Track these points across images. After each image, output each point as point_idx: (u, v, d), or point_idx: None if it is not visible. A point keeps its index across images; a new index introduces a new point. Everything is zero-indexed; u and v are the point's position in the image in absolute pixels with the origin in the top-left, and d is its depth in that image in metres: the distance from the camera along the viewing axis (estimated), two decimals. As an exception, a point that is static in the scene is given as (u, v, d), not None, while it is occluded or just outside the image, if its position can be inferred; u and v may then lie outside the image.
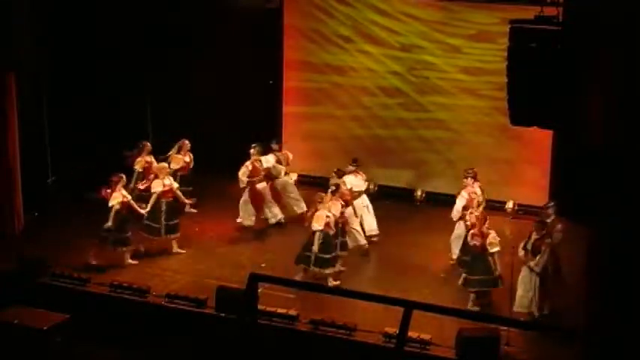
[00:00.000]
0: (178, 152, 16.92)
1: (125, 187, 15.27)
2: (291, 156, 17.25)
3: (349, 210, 15.37)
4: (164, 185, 15.54)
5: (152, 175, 16.12)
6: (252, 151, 16.56)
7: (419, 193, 18.03)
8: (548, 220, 14.03)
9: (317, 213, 14.50)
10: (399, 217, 17.03)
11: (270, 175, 16.81)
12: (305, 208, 16.36)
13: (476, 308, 13.66)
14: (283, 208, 16.86)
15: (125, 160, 16.66)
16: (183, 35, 18.10)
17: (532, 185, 17.46)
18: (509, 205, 17.08)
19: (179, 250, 15.67)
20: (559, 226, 13.90)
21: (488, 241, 13.86)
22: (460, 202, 15.11)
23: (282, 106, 19.24)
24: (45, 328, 12.73)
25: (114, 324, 13.83)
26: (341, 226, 14.83)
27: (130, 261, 15.20)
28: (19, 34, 15.40)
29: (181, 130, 18.00)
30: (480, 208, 14.56)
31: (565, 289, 13.54)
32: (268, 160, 16.76)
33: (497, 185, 16.91)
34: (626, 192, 9.26)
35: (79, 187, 17.49)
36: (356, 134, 18.82)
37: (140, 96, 18.41)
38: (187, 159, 16.96)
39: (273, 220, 16.67)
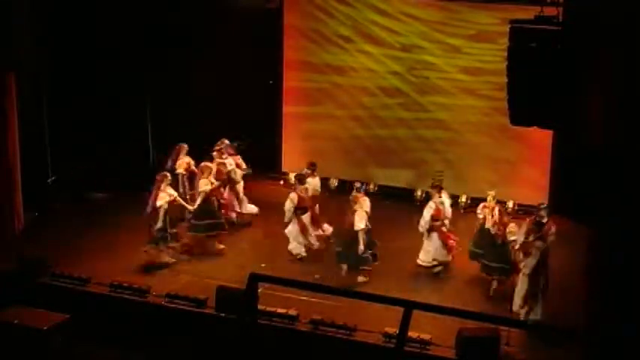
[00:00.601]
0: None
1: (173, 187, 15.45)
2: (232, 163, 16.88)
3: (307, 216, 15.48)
4: (212, 183, 15.62)
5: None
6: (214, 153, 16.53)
7: (419, 193, 18.02)
8: (544, 221, 14.01)
9: (357, 213, 14.57)
10: (399, 217, 17.02)
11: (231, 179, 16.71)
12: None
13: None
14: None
15: (162, 164, 16.55)
16: (183, 35, 18.09)
17: (532, 185, 17.46)
18: (510, 205, 17.07)
19: (220, 246, 15.76)
20: (553, 229, 13.89)
21: (507, 230, 14.24)
22: (427, 213, 15.02)
23: (282, 106, 19.24)
24: (45, 328, 12.72)
25: (114, 324, 13.83)
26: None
27: (182, 256, 15.40)
28: (19, 34, 15.40)
29: (181, 130, 18.02)
30: (493, 202, 14.83)
31: (550, 293, 13.55)
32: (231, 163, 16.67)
33: (498, 185, 16.90)
34: (626, 192, 9.26)
35: (79, 187, 17.51)
36: (356, 134, 18.82)
37: (140, 96, 18.40)
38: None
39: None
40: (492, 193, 15.10)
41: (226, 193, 16.53)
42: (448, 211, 15.19)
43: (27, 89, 16.37)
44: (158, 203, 15.00)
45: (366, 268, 14.68)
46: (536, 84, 10.40)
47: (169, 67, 18.21)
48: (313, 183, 16.21)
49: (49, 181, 17.32)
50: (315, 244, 15.56)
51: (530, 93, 10.51)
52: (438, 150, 18.35)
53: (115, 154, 17.79)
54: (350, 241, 14.60)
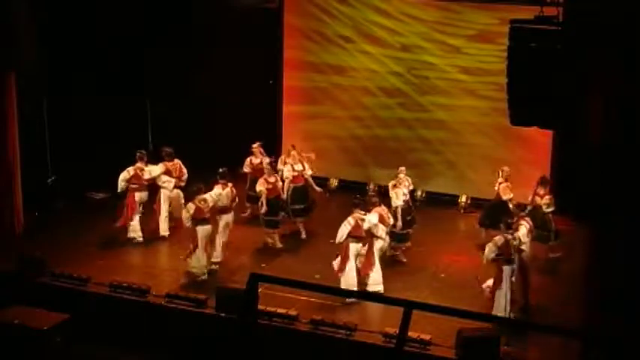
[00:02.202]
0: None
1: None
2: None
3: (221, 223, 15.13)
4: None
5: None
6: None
7: (419, 193, 18.02)
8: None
9: (396, 190, 15.24)
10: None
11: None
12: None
13: None
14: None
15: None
16: (184, 35, 18.10)
17: (532, 185, 17.44)
18: (509, 205, 17.05)
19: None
20: (524, 227, 13.89)
21: (544, 201, 15.26)
22: (345, 229, 14.10)
23: (282, 106, 19.25)
24: (45, 328, 12.73)
25: (114, 324, 13.83)
26: None
27: (279, 244, 15.80)
28: (19, 34, 15.39)
29: (181, 130, 18.02)
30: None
31: (550, 293, 13.55)
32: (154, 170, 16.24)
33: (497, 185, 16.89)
34: (626, 192, 9.27)
35: (79, 187, 17.50)
36: (356, 134, 18.83)
37: (140, 96, 18.40)
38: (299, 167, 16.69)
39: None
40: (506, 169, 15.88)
41: None
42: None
43: (27, 89, 16.37)
44: (258, 189, 15.70)
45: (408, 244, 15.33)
46: (536, 84, 10.40)
47: (169, 67, 18.21)
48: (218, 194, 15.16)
49: (49, 181, 17.32)
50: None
51: (530, 93, 10.51)
52: (438, 150, 18.35)
53: (115, 154, 17.76)
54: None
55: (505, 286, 13.24)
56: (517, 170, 17.58)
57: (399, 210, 15.15)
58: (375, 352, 12.74)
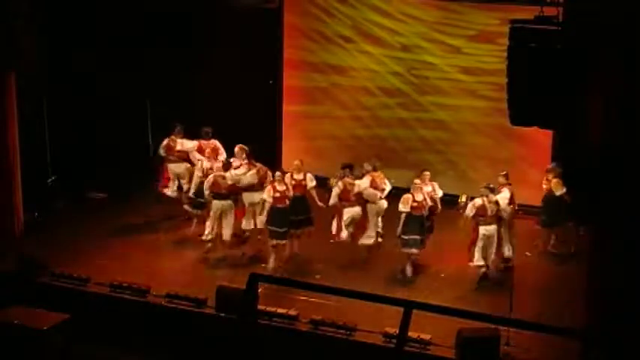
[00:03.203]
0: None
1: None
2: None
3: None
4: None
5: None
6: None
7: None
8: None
9: (405, 195, 14.99)
10: (399, 217, 16.99)
11: None
12: None
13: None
14: None
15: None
16: (184, 35, 18.09)
17: (532, 185, 17.44)
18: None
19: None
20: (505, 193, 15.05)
21: (552, 185, 15.47)
22: (334, 192, 15.22)
23: (282, 106, 19.24)
24: (45, 328, 12.72)
25: (114, 324, 13.82)
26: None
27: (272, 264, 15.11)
28: (19, 34, 15.39)
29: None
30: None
31: (551, 293, 13.62)
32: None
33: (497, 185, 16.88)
34: (626, 192, 9.27)
35: (79, 187, 17.50)
36: (356, 134, 18.82)
37: (140, 96, 18.39)
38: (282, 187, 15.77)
39: None
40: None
41: None
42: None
43: (27, 89, 16.37)
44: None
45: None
46: (536, 84, 10.40)
47: (169, 67, 18.20)
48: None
49: (49, 181, 17.32)
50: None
51: (530, 93, 10.51)
52: (438, 150, 18.35)
53: (115, 154, 17.77)
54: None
55: (479, 244, 14.50)
56: (517, 170, 17.60)
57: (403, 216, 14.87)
58: (375, 352, 12.74)
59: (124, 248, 15.76)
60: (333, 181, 18.35)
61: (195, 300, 13.80)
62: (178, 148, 16.69)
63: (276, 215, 14.92)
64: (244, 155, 15.74)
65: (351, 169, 15.47)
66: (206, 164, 15.94)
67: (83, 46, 17.19)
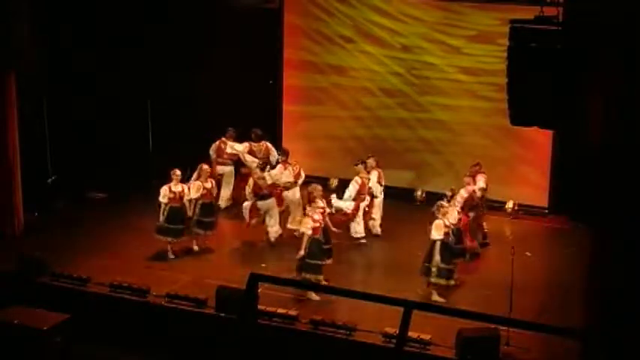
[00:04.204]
0: (198, 178, 15.76)
1: None
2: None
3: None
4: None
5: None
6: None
7: (419, 193, 18.02)
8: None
9: (436, 222, 14.04)
10: (399, 217, 17.03)
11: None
12: None
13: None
14: None
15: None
16: (184, 35, 18.10)
17: (532, 185, 17.47)
18: (510, 205, 17.09)
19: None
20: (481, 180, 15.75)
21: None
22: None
23: (282, 106, 19.24)
24: (45, 328, 12.72)
25: (114, 324, 13.83)
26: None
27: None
28: (19, 34, 15.39)
29: (181, 129, 18.04)
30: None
31: (551, 293, 13.62)
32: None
33: (498, 185, 16.92)
34: (626, 192, 9.26)
35: (79, 187, 17.51)
36: (356, 134, 18.83)
37: (140, 96, 18.40)
38: (209, 185, 15.76)
39: None
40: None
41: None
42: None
43: (27, 89, 16.37)
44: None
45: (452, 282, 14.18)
46: (536, 84, 10.39)
47: (169, 67, 18.22)
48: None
49: (49, 181, 17.32)
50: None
51: (530, 93, 10.49)
52: (438, 150, 18.35)
53: (115, 154, 17.78)
54: (428, 252, 14.06)
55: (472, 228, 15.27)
56: (517, 170, 17.64)
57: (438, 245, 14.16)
58: (375, 352, 12.74)
59: (124, 248, 15.76)
60: (333, 181, 18.43)
61: (195, 300, 13.80)
62: (228, 150, 16.97)
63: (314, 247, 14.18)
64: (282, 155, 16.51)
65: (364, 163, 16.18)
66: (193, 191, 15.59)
67: (83, 46, 17.20)
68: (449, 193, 15.10)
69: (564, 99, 10.21)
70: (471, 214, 15.34)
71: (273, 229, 15.84)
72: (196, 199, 15.43)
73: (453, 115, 18.19)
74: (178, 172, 15.29)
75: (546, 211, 17.43)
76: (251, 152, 17.03)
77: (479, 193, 15.58)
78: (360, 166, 16.06)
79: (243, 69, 18.43)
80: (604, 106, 9.40)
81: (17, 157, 16.08)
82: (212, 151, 17.16)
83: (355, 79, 18.70)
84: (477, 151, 17.93)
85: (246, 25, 18.28)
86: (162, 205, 15.22)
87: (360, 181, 15.81)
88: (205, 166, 15.79)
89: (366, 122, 18.78)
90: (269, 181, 15.87)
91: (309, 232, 14.02)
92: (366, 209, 16.01)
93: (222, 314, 13.43)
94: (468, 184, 15.40)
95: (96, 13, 17.38)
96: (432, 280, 14.04)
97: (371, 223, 16.22)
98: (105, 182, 17.71)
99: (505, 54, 10.67)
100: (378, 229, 16.30)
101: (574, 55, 9.98)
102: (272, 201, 15.84)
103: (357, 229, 15.92)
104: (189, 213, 15.42)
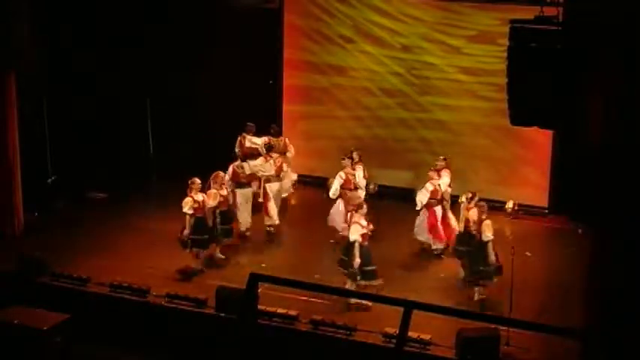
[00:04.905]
0: (212, 186, 15.36)
1: None
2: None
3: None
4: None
5: None
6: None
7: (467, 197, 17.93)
8: None
9: (486, 221, 14.00)
10: (399, 217, 17.02)
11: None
12: None
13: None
14: None
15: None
16: (184, 35, 18.10)
17: (532, 185, 17.47)
18: (509, 205, 17.08)
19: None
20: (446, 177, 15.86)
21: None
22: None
23: (282, 106, 19.24)
24: (45, 328, 12.73)
25: (114, 324, 13.83)
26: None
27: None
28: (19, 34, 15.40)
29: (181, 129, 18.04)
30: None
31: (550, 293, 13.61)
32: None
33: (498, 185, 16.92)
34: (626, 192, 9.25)
35: (79, 187, 17.51)
36: (356, 134, 18.82)
37: (140, 96, 18.41)
38: (224, 192, 15.47)
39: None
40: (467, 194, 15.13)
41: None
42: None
43: (27, 89, 16.37)
44: None
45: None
46: (536, 84, 10.38)
47: (169, 67, 18.22)
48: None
49: (49, 181, 17.32)
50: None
51: (530, 93, 10.49)
52: (438, 150, 18.30)
53: (115, 154, 17.78)
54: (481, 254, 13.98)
55: (438, 223, 15.44)
56: (517, 170, 17.64)
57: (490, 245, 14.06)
58: (375, 352, 12.74)
59: (124, 248, 15.76)
60: (333, 181, 18.41)
61: (195, 300, 13.80)
62: (247, 144, 17.09)
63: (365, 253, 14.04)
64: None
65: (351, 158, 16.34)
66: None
67: (83, 46, 17.21)
68: (469, 195, 15.05)
69: (564, 99, 10.21)
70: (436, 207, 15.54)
71: (242, 217, 16.09)
72: (215, 208, 15.10)
73: (452, 115, 18.19)
74: (198, 180, 14.95)
75: (546, 211, 17.43)
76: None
77: (443, 188, 15.68)
78: (347, 161, 16.15)
79: (243, 69, 18.44)
80: (604, 106, 9.39)
81: (17, 157, 16.09)
82: (237, 148, 17.22)
83: (355, 79, 18.70)
84: (477, 152, 17.95)
85: (246, 25, 18.29)
86: (187, 217, 14.73)
87: (344, 176, 15.92)
88: (221, 174, 15.47)
89: (366, 122, 18.78)
90: (247, 171, 16.13)
91: (360, 239, 13.75)
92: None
93: (222, 314, 13.43)
94: (433, 178, 15.59)
95: (96, 13, 17.39)
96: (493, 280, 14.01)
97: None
98: (105, 182, 17.71)
99: (505, 54, 10.67)
100: None
101: (574, 55, 9.98)
102: (249, 191, 16.12)
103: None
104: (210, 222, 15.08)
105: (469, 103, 17.99)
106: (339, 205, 15.89)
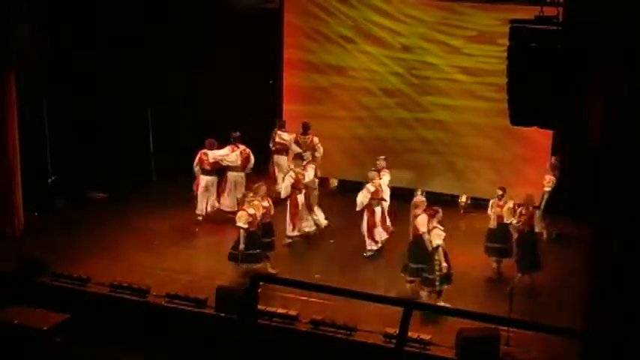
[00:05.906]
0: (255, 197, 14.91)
1: None
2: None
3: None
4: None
5: None
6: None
7: (419, 193, 17.96)
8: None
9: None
10: (399, 217, 17.00)
11: None
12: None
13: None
14: None
15: None
16: (184, 35, 18.10)
17: (532, 185, 17.44)
18: (510, 205, 17.04)
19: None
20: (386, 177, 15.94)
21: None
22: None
23: (282, 106, 19.24)
24: (45, 328, 12.72)
25: (114, 324, 13.82)
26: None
27: None
28: (19, 34, 15.39)
29: (181, 130, 18.03)
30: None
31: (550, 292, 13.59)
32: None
33: (498, 185, 16.88)
34: (625, 191, 9.26)
35: (79, 187, 17.50)
36: (356, 134, 18.83)
37: (140, 96, 18.40)
38: (267, 204, 14.97)
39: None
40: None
41: None
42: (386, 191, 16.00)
43: (27, 89, 16.37)
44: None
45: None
46: (536, 84, 10.39)
47: (169, 67, 18.22)
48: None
49: (49, 181, 17.32)
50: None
51: (530, 93, 10.50)
52: (438, 150, 18.35)
53: (115, 154, 17.78)
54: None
55: (378, 223, 15.60)
56: (517, 170, 17.62)
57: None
58: (375, 352, 12.74)
59: (124, 248, 15.75)
60: (332, 181, 18.44)
61: (195, 300, 13.79)
62: (277, 140, 17.63)
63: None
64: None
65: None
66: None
67: (83, 46, 17.20)
68: (499, 192, 15.24)
69: (564, 99, 10.21)
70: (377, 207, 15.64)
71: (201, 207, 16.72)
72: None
73: (452, 115, 18.19)
74: (251, 193, 14.78)
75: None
76: (297, 143, 17.54)
77: (384, 188, 15.75)
78: (298, 161, 16.40)
79: (243, 69, 18.44)
80: (604, 106, 9.40)
81: (17, 157, 16.08)
82: (271, 143, 17.77)
83: (355, 79, 18.70)
84: (477, 152, 17.95)
85: (246, 25, 18.29)
86: (242, 231, 14.36)
87: (294, 175, 16.04)
88: (263, 186, 15.07)
89: (366, 122, 18.78)
90: (211, 159, 16.69)
91: (442, 243, 13.99)
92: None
93: (222, 314, 13.43)
94: (374, 178, 15.65)
95: (96, 13, 17.38)
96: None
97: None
98: (105, 182, 17.71)
99: (505, 54, 10.67)
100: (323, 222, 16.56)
101: (574, 55, 9.99)
102: (214, 179, 16.78)
103: (304, 223, 16.13)
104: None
105: (469, 103, 17.99)
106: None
